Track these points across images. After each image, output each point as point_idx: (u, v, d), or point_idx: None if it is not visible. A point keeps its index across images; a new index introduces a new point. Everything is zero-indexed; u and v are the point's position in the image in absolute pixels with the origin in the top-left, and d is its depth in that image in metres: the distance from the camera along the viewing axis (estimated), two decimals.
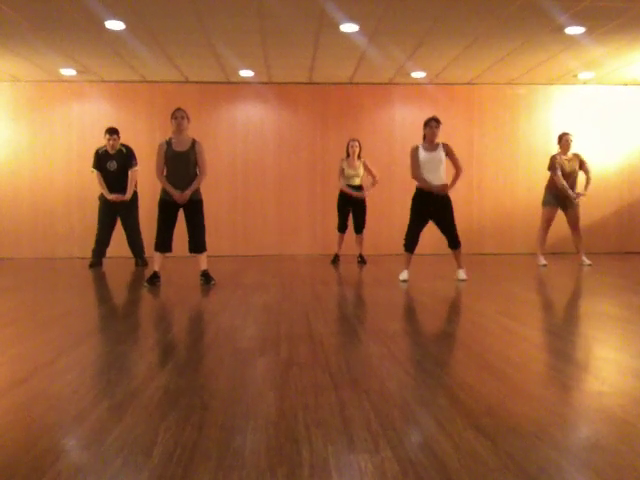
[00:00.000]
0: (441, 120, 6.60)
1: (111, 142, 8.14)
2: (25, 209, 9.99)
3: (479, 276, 7.48)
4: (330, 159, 10.05)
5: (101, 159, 8.22)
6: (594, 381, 2.82)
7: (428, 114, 9.77)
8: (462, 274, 6.69)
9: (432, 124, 6.51)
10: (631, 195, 10.51)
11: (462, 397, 2.56)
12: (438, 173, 6.49)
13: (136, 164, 8.24)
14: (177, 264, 8.23)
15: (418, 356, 3.42)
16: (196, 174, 6.24)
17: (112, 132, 8.17)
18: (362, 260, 8.68)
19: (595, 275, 7.42)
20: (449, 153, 6.56)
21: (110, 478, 1.79)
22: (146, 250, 8.34)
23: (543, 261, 8.30)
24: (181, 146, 6.14)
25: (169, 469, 1.84)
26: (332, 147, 10.18)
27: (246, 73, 9.53)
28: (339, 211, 8.68)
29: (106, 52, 8.23)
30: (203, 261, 6.36)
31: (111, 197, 8.18)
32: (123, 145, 8.27)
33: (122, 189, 8.21)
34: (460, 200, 10.42)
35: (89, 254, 8.56)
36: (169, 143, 6.16)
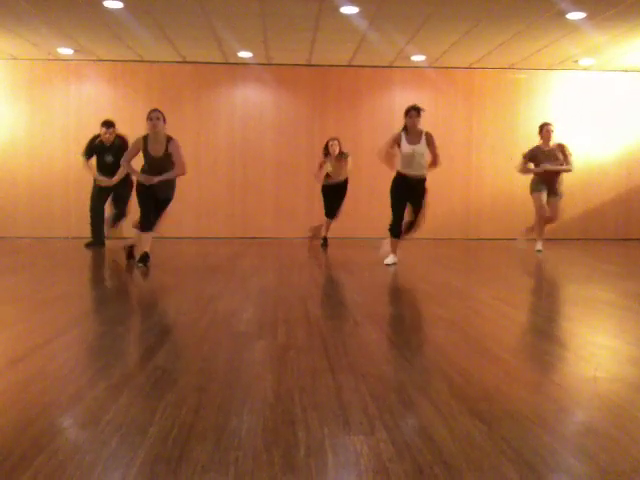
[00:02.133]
0: (423, 107, 6.44)
1: (107, 135, 7.99)
2: (22, 189, 9.95)
3: (476, 261, 7.50)
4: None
5: (96, 151, 8.09)
6: (589, 367, 2.83)
7: (428, 98, 9.73)
8: (390, 258, 6.52)
9: (412, 113, 6.28)
10: (629, 181, 10.51)
11: (458, 381, 2.57)
12: (419, 166, 6.34)
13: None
14: (173, 247, 8.23)
15: (415, 340, 3.43)
16: (173, 183, 6.31)
17: (109, 125, 7.99)
18: (325, 243, 8.80)
19: (591, 262, 7.44)
20: (430, 144, 6.34)
21: (107, 457, 1.80)
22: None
23: (539, 247, 8.29)
24: (156, 150, 6.13)
25: (166, 449, 1.85)
26: (331, 129, 10.13)
27: (245, 54, 9.46)
28: (324, 197, 8.73)
29: (104, 31, 8.16)
30: (147, 242, 6.28)
31: (101, 179, 8.08)
32: (118, 136, 8.10)
33: (119, 180, 8.08)
34: (458, 185, 10.43)
35: (86, 234, 8.53)
36: (146, 142, 6.13)
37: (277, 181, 10.29)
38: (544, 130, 8.16)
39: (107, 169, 8.09)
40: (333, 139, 8.56)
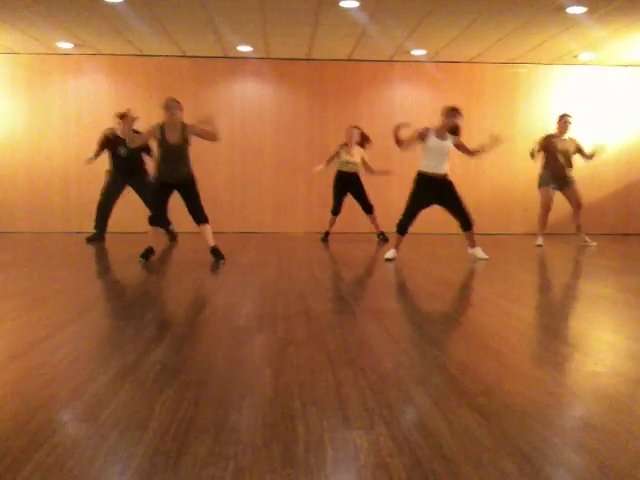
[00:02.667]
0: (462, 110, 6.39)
1: (121, 125, 7.84)
2: (21, 183, 9.94)
3: (472, 258, 7.48)
4: (328, 136, 10.01)
5: (111, 143, 7.93)
6: (589, 362, 2.84)
7: (428, 92, 9.72)
8: (480, 253, 6.55)
9: (456, 115, 6.28)
10: (629, 176, 10.51)
11: (458, 376, 2.57)
12: (442, 163, 6.34)
13: (152, 151, 7.86)
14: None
15: (414, 335, 3.43)
16: (188, 165, 6.24)
17: (124, 116, 7.84)
18: (383, 237, 8.60)
19: (591, 257, 7.44)
20: (459, 146, 6.41)
21: (106, 452, 1.80)
22: (135, 226, 8.18)
23: (539, 241, 8.29)
24: (173, 137, 6.09)
25: (165, 444, 1.85)
26: (330, 124, 10.13)
27: (244, 48, 9.44)
28: (336, 194, 8.57)
29: (104, 25, 8.13)
30: (209, 235, 6.32)
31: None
32: (134, 130, 7.98)
33: (132, 174, 7.99)
34: (458, 180, 10.34)
35: (86, 229, 8.51)
36: (163, 130, 6.09)
37: (276, 176, 10.28)
38: (562, 121, 8.18)
39: (121, 163, 7.94)
40: (353, 127, 8.46)
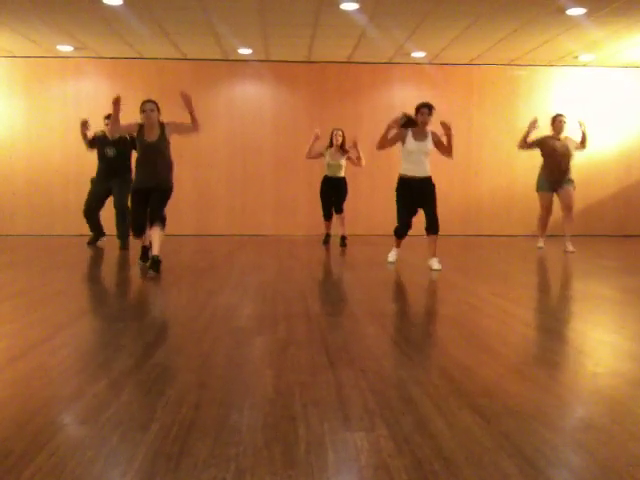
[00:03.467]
0: (434, 105, 6.17)
1: (109, 127, 7.88)
2: (21, 186, 9.94)
3: (476, 258, 7.50)
4: (329, 139, 10.00)
5: (97, 143, 7.92)
6: (589, 363, 2.84)
7: (428, 94, 9.72)
8: (436, 264, 6.10)
9: (424, 110, 6.06)
10: (628, 178, 10.51)
11: (458, 377, 2.57)
12: (422, 165, 6.13)
13: (133, 147, 7.91)
14: (173, 244, 8.22)
15: (414, 336, 3.43)
16: (168, 163, 5.97)
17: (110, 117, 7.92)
18: (343, 243, 8.50)
19: (592, 258, 7.44)
20: (438, 144, 6.17)
21: (107, 454, 1.80)
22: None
23: (540, 244, 8.27)
24: (151, 135, 5.87)
25: (166, 445, 1.85)
26: (330, 126, 10.10)
27: (244, 51, 9.45)
28: (322, 199, 8.53)
29: (103, 28, 8.14)
30: (157, 242, 5.67)
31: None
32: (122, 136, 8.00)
33: (117, 177, 7.90)
34: (458, 181, 10.43)
35: (85, 231, 8.50)
36: (141, 131, 5.89)
37: (276, 178, 10.29)
38: (556, 121, 8.08)
39: (108, 163, 7.90)
40: (337, 129, 8.45)
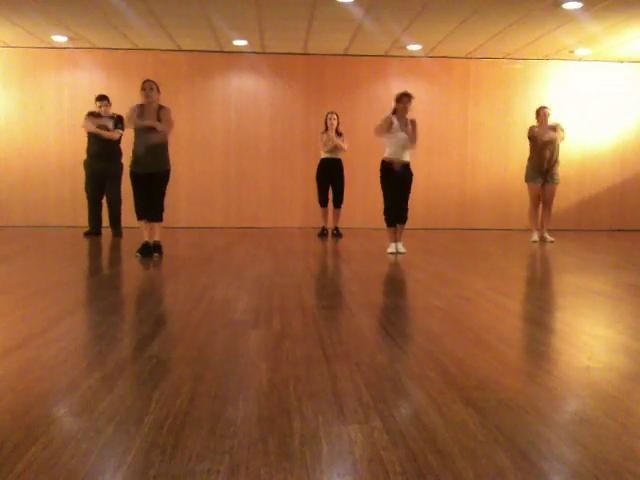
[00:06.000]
0: (413, 94, 6.62)
1: (102, 108, 8.03)
2: (16, 177, 9.90)
3: (471, 251, 7.51)
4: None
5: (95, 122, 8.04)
6: (583, 357, 2.85)
7: (424, 87, 9.72)
8: (401, 247, 6.62)
9: (404, 99, 6.48)
10: (624, 172, 10.52)
11: (452, 371, 2.58)
12: (404, 150, 6.50)
13: (122, 128, 7.97)
14: (169, 236, 8.21)
15: (409, 329, 3.44)
16: (166, 151, 6.18)
17: (102, 98, 8.06)
18: (338, 233, 8.65)
19: (586, 252, 7.46)
20: (413, 127, 6.54)
21: (102, 446, 1.80)
22: (123, 220, 8.22)
23: (535, 237, 8.31)
24: (149, 117, 6.06)
25: (161, 437, 1.85)
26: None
27: (240, 42, 9.41)
28: (319, 183, 8.67)
29: (98, 19, 8.09)
30: (157, 231, 6.24)
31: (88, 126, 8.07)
32: (115, 114, 8.13)
33: (109, 158, 8.03)
34: (454, 175, 10.43)
35: (81, 223, 8.50)
36: (140, 111, 6.07)
37: (272, 170, 10.26)
38: (541, 113, 8.27)
39: (100, 146, 8.01)
40: (332, 112, 8.56)
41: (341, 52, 9.97)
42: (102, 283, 5.06)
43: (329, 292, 4.65)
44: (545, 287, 5.31)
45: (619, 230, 10.40)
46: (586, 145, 10.29)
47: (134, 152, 6.12)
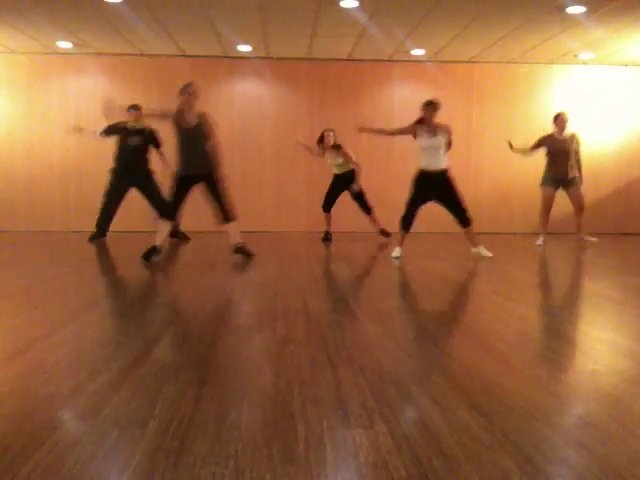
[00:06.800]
0: (440, 101, 6.55)
1: (133, 117, 7.81)
2: (20, 183, 9.93)
3: (475, 255, 7.49)
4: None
5: (119, 132, 7.89)
6: (588, 360, 2.84)
7: (428, 92, 9.72)
8: (485, 251, 6.69)
9: (427, 108, 6.46)
10: (629, 176, 10.51)
11: (457, 375, 2.57)
12: (435, 159, 6.44)
13: (157, 146, 7.95)
14: (173, 240, 8.22)
15: (414, 334, 3.44)
16: (208, 153, 6.21)
17: (133, 107, 7.84)
18: (386, 234, 8.67)
19: (591, 256, 7.44)
20: (442, 134, 6.49)
21: (107, 450, 1.80)
22: (132, 225, 8.21)
23: (540, 241, 8.30)
24: (190, 120, 6.12)
25: (165, 442, 1.85)
26: (331, 124, 10.11)
27: (244, 48, 9.44)
28: (327, 191, 8.63)
29: (103, 25, 8.13)
30: (234, 234, 6.41)
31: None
32: (149, 127, 7.95)
33: (137, 170, 7.94)
34: (457, 179, 10.37)
35: (85, 228, 8.49)
36: (178, 115, 6.10)
37: (277, 174, 10.28)
38: (559, 119, 8.17)
39: (130, 152, 7.88)
40: (328, 130, 8.54)
41: (345, 57, 9.99)
42: (107, 287, 5.07)
43: (333, 296, 4.64)
44: (550, 291, 5.29)
45: (624, 234, 10.37)
46: (591, 149, 10.28)
47: (181, 156, 6.14)
